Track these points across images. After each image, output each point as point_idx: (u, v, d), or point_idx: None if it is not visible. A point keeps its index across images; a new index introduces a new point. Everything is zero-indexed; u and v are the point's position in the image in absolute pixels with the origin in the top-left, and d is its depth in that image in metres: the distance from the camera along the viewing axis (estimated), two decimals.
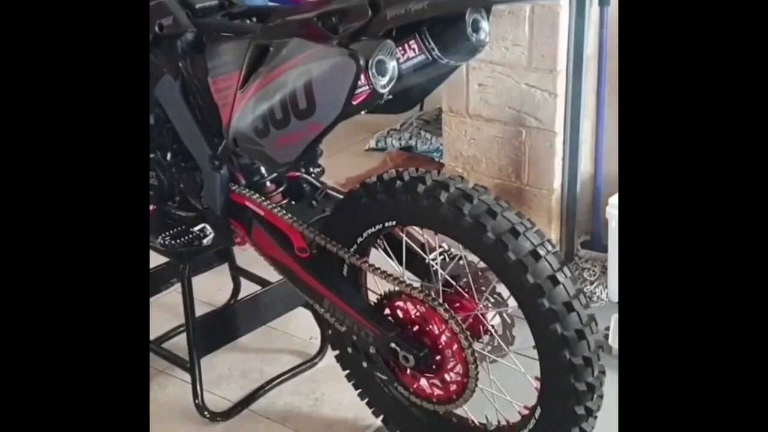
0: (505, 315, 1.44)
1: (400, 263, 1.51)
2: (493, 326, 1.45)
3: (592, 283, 2.25)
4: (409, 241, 1.49)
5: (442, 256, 1.50)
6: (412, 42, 1.32)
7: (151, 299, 2.09)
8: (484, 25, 1.33)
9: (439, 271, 1.45)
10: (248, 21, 1.59)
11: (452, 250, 1.49)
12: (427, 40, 1.32)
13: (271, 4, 2.79)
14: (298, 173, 1.69)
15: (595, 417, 1.37)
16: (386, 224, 1.44)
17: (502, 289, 1.39)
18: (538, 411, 1.39)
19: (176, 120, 1.62)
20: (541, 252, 1.29)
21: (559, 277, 1.29)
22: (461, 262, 1.46)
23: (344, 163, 3.08)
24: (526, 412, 1.44)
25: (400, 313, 1.49)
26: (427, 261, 1.47)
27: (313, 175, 1.71)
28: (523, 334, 1.38)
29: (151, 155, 1.69)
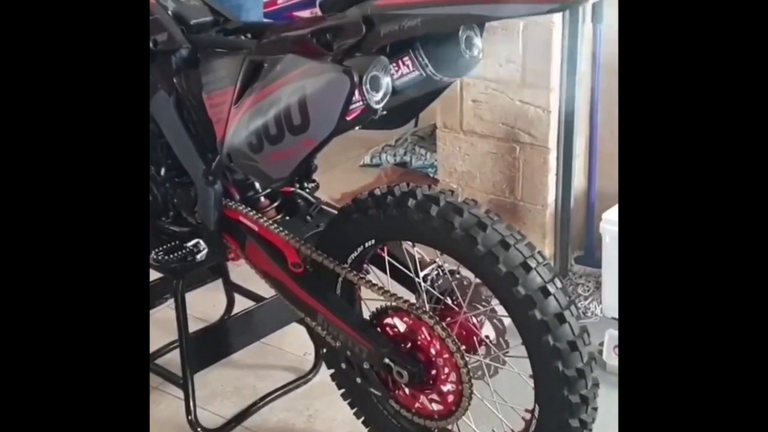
0: (496, 321, 1.44)
1: (394, 278, 1.51)
2: (487, 336, 1.45)
3: (586, 298, 2.25)
4: (403, 255, 1.49)
5: (435, 271, 1.50)
6: (405, 58, 1.33)
7: None
8: (478, 41, 1.33)
9: (430, 285, 1.45)
10: (243, 37, 1.60)
11: (446, 264, 1.49)
12: (420, 56, 1.32)
13: (265, 20, 2.80)
14: (292, 188, 1.69)
15: (590, 430, 1.37)
16: (379, 239, 1.44)
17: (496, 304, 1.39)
18: (537, 409, 1.38)
19: (170, 135, 1.62)
20: (532, 264, 1.29)
21: (550, 288, 1.29)
22: (455, 277, 1.46)
23: (339, 178, 3.09)
24: (528, 416, 1.43)
25: (394, 329, 1.48)
26: (420, 276, 1.47)
27: (307, 190, 1.71)
28: (516, 337, 1.38)
29: None
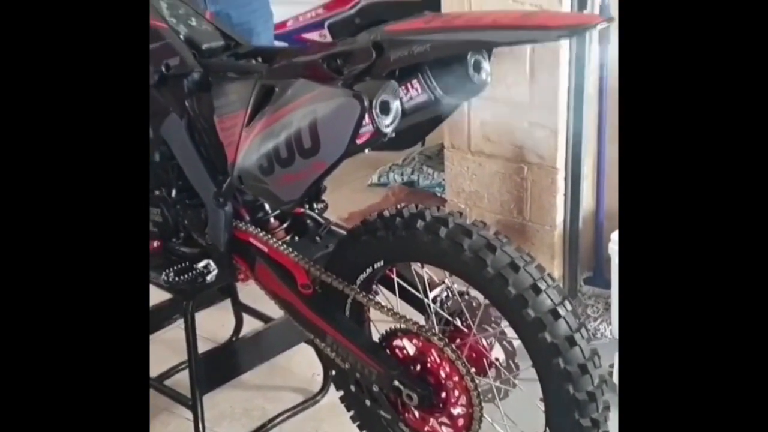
0: (505, 343, 1.44)
1: (403, 299, 1.51)
2: (497, 359, 1.45)
3: (595, 319, 2.24)
4: (412, 276, 1.50)
5: (445, 293, 1.50)
6: (414, 82, 1.34)
7: (154, 335, 2.09)
8: (486, 65, 1.35)
9: (439, 307, 1.45)
10: (254, 61, 1.62)
11: (456, 286, 1.49)
12: (429, 80, 1.34)
13: (276, 44, 2.83)
14: (301, 209, 1.70)
15: None
16: (387, 261, 1.45)
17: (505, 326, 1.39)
18: None
19: (182, 158, 1.64)
20: (542, 286, 1.29)
21: (560, 310, 1.29)
22: (464, 298, 1.46)
23: (347, 197, 3.10)
24: None
25: (403, 351, 1.48)
26: (429, 297, 1.47)
27: (316, 211, 1.72)
28: (526, 360, 1.38)
29: (156, 192, 1.70)
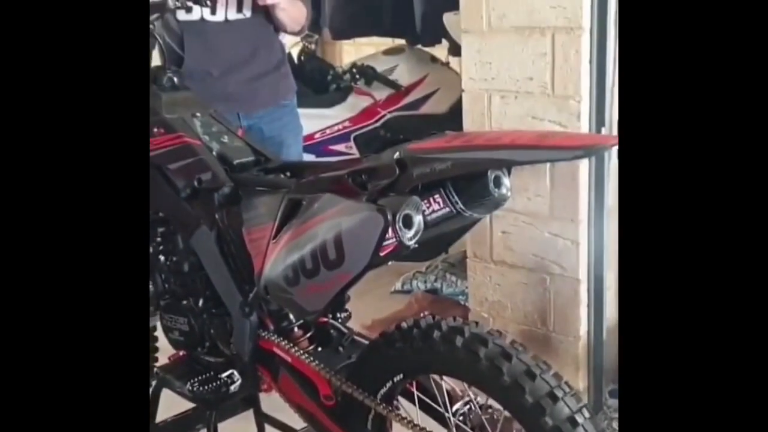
0: None
1: (426, 412, 1.50)
2: None
3: None
4: (433, 389, 1.50)
5: (467, 406, 1.49)
6: (437, 196, 1.39)
7: None
8: (506, 180, 1.39)
9: (462, 420, 1.44)
10: (282, 176, 1.69)
11: (478, 398, 1.49)
12: (451, 194, 1.39)
13: (305, 156, 2.93)
14: (325, 319, 1.72)
15: None
16: (407, 373, 1.46)
17: None
18: None
19: (210, 268, 1.68)
20: (559, 393, 1.29)
21: (578, 418, 1.28)
22: (487, 411, 1.45)
23: (370, 305, 3.10)
24: None
25: None
26: (451, 410, 1.46)
27: (340, 320, 1.74)
28: None
29: (184, 302, 1.74)
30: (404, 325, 1.44)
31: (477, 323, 1.41)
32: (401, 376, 1.47)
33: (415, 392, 1.50)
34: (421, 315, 1.46)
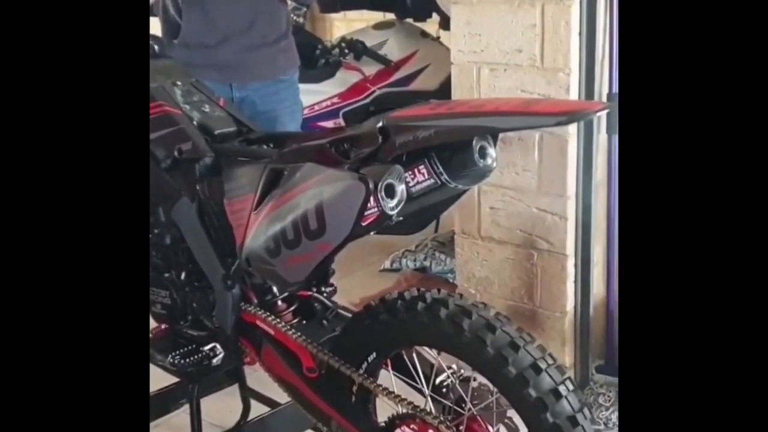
0: (507, 422, 1.41)
1: (409, 384, 1.49)
2: None
3: (607, 408, 2.19)
4: (418, 361, 1.48)
5: (451, 378, 1.48)
6: (421, 167, 1.36)
7: (160, 420, 2.06)
8: (491, 151, 1.37)
9: (446, 392, 1.43)
10: (264, 146, 1.66)
11: (462, 371, 1.48)
12: (435, 164, 1.36)
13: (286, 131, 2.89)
14: (309, 292, 1.70)
15: None
16: (391, 344, 1.44)
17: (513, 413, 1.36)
18: None
19: (191, 240, 1.66)
20: (542, 365, 1.28)
21: (562, 390, 1.27)
22: (470, 383, 1.44)
23: (359, 283, 3.09)
24: None
25: None
26: (430, 385, 1.45)
27: (324, 294, 1.72)
28: None
29: (166, 274, 1.72)
30: (388, 297, 1.43)
31: (461, 295, 1.39)
32: (386, 347, 1.45)
33: (389, 368, 1.49)
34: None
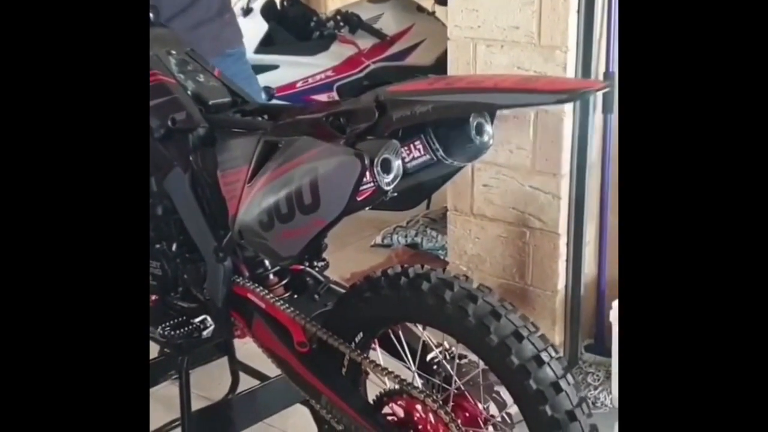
0: (495, 396, 1.42)
1: (400, 360, 1.49)
2: (492, 416, 1.42)
3: (596, 388, 2.21)
4: (410, 337, 1.48)
5: (442, 355, 1.48)
6: (417, 142, 1.35)
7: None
8: (488, 128, 1.36)
9: (436, 369, 1.43)
10: (259, 118, 1.64)
11: (453, 348, 1.48)
12: (432, 140, 1.35)
13: (282, 102, 2.87)
14: (301, 267, 1.70)
15: None
16: (388, 320, 1.44)
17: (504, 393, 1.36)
18: None
19: (184, 212, 1.64)
20: (524, 333, 1.28)
21: (563, 384, 1.27)
22: (461, 360, 1.44)
23: (350, 258, 3.09)
24: None
25: (399, 413, 1.46)
26: (426, 360, 1.45)
27: (316, 269, 1.71)
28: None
29: (157, 245, 1.71)
30: (391, 272, 1.41)
31: (467, 277, 1.38)
32: (382, 322, 1.46)
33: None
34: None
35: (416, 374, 1.45)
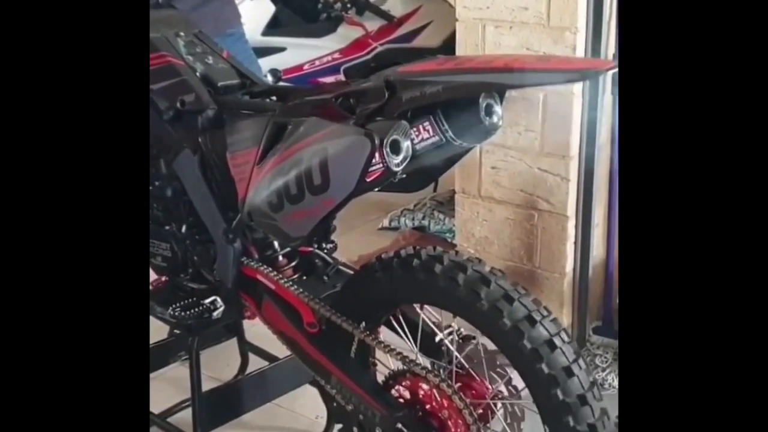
0: (499, 370, 1.42)
1: (410, 341, 1.50)
2: (500, 391, 1.43)
3: (603, 370, 2.21)
4: (419, 319, 1.49)
5: (451, 336, 1.49)
6: (426, 123, 1.35)
7: (159, 372, 2.08)
8: (497, 109, 1.35)
9: (446, 350, 1.44)
10: (268, 100, 1.64)
11: (463, 330, 1.48)
12: (441, 122, 1.35)
13: (291, 84, 2.86)
14: (310, 248, 1.70)
15: None
16: (399, 302, 1.44)
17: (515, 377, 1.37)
18: None
19: (193, 193, 1.65)
20: (537, 317, 1.28)
21: (574, 369, 1.27)
22: (473, 343, 1.45)
23: (357, 240, 3.09)
24: None
25: (408, 393, 1.47)
26: (437, 341, 1.46)
27: (325, 250, 1.72)
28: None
29: (167, 227, 1.71)
30: (403, 253, 1.41)
31: (480, 260, 1.38)
32: (392, 303, 1.46)
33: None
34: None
35: (419, 355, 1.45)
